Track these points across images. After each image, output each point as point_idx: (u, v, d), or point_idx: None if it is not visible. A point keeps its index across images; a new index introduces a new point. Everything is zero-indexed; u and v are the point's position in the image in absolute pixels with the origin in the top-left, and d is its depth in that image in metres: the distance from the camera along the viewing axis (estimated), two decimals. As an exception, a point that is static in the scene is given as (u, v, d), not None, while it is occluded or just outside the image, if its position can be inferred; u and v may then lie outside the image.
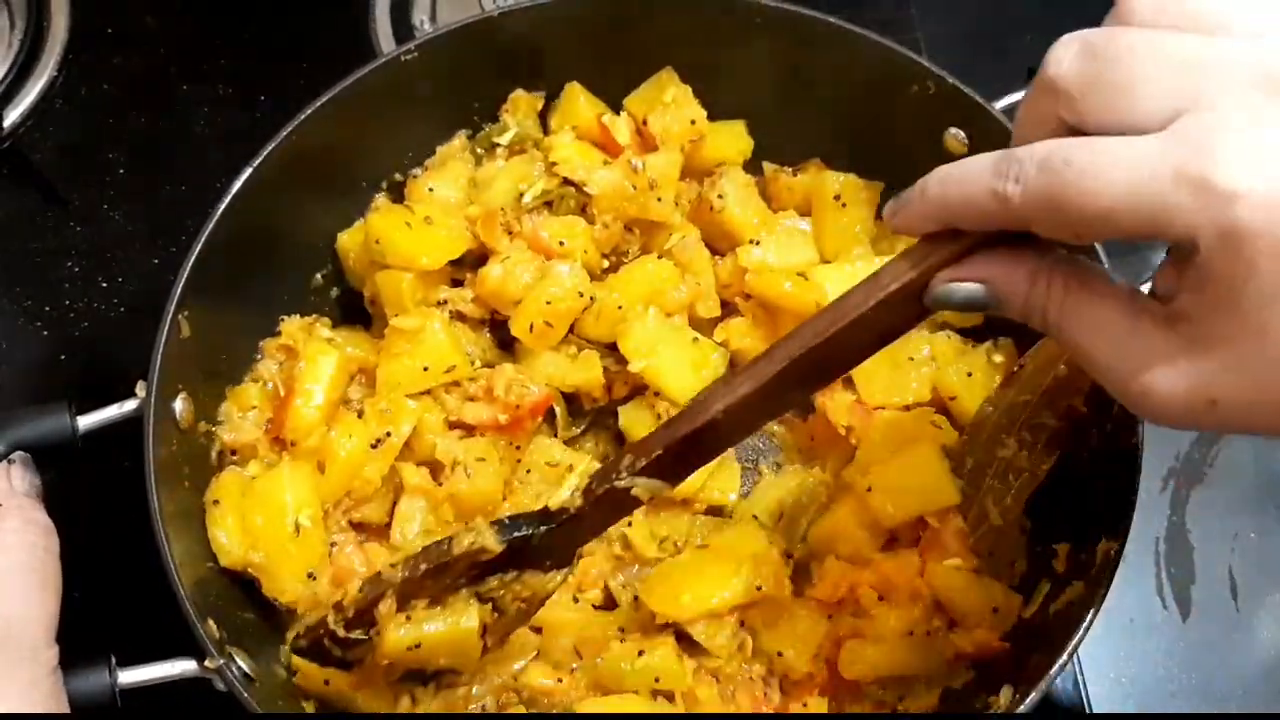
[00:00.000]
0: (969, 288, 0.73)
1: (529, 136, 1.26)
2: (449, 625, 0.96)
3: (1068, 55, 0.65)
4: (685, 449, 0.88)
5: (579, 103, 1.26)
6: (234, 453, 1.13)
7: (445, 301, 1.19)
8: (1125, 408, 0.69)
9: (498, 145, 1.26)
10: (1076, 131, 0.65)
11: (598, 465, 0.94)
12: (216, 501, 1.07)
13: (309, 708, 1.05)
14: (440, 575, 0.95)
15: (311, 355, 1.15)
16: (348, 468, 1.10)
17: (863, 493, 1.11)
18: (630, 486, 0.90)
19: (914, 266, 0.75)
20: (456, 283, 1.22)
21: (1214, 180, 0.58)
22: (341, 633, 0.97)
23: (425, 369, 1.14)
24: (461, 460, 1.13)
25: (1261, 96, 0.60)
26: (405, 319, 1.15)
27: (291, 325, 1.19)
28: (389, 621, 0.95)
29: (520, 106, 1.27)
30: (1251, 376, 0.63)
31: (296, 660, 1.02)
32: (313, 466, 1.10)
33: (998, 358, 1.18)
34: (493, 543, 0.93)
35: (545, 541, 0.95)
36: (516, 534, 0.94)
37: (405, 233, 1.16)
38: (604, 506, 0.93)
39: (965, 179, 0.69)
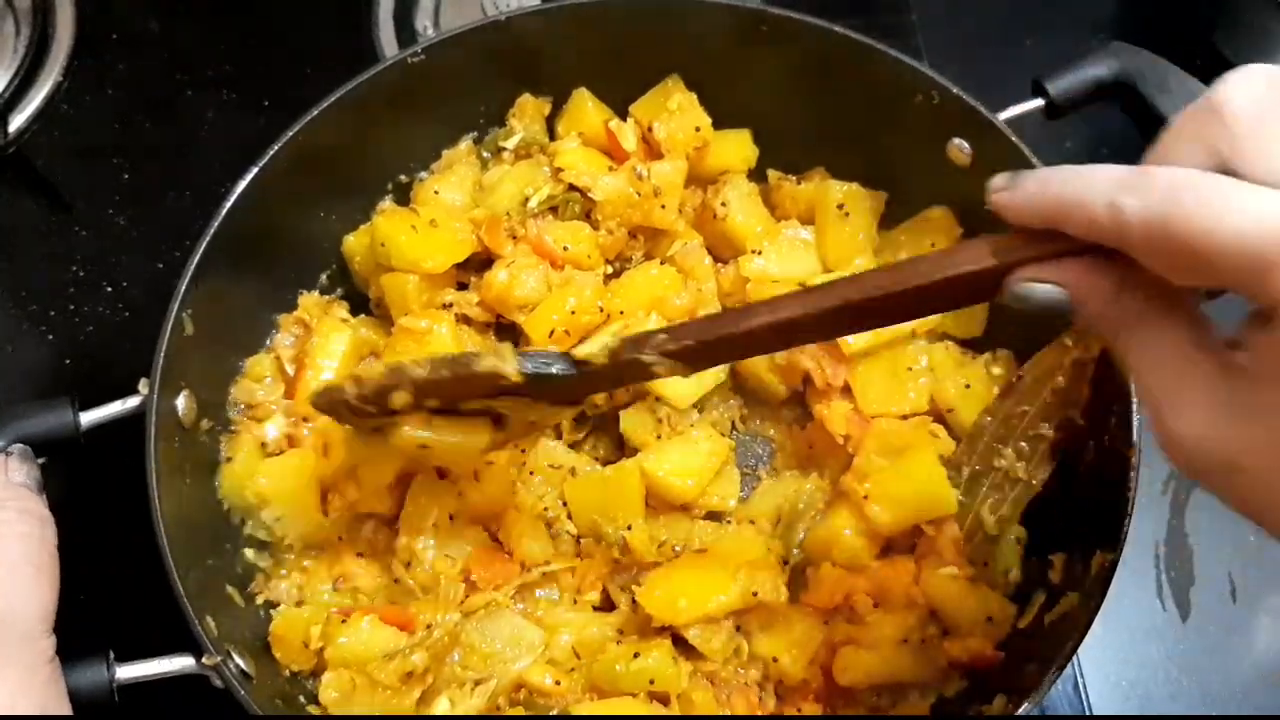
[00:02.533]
0: (1049, 290, 0.70)
1: (535, 141, 1.27)
2: (461, 439, 1.01)
3: (1247, 85, 0.61)
4: (716, 348, 0.92)
5: (586, 108, 1.27)
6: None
7: (450, 304, 1.20)
8: (1157, 443, 0.67)
9: (504, 149, 1.27)
10: (1223, 164, 0.61)
11: (627, 335, 0.97)
12: (230, 459, 1.13)
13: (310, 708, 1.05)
14: (458, 386, 0.98)
15: (325, 331, 1.17)
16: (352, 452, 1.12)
17: (860, 500, 1.12)
18: (654, 363, 0.93)
19: (996, 255, 0.73)
20: (462, 286, 1.22)
21: None
22: (354, 403, 0.99)
23: (430, 372, 1.15)
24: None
25: None
26: (413, 319, 1.15)
27: (309, 300, 1.21)
28: (403, 408, 0.99)
29: (527, 111, 1.27)
30: None
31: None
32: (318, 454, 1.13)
33: (996, 370, 1.18)
34: (513, 373, 0.96)
35: (560, 382, 0.97)
36: (538, 372, 0.97)
37: (411, 236, 1.16)
38: (623, 369, 0.96)
39: (1089, 184, 0.65)
